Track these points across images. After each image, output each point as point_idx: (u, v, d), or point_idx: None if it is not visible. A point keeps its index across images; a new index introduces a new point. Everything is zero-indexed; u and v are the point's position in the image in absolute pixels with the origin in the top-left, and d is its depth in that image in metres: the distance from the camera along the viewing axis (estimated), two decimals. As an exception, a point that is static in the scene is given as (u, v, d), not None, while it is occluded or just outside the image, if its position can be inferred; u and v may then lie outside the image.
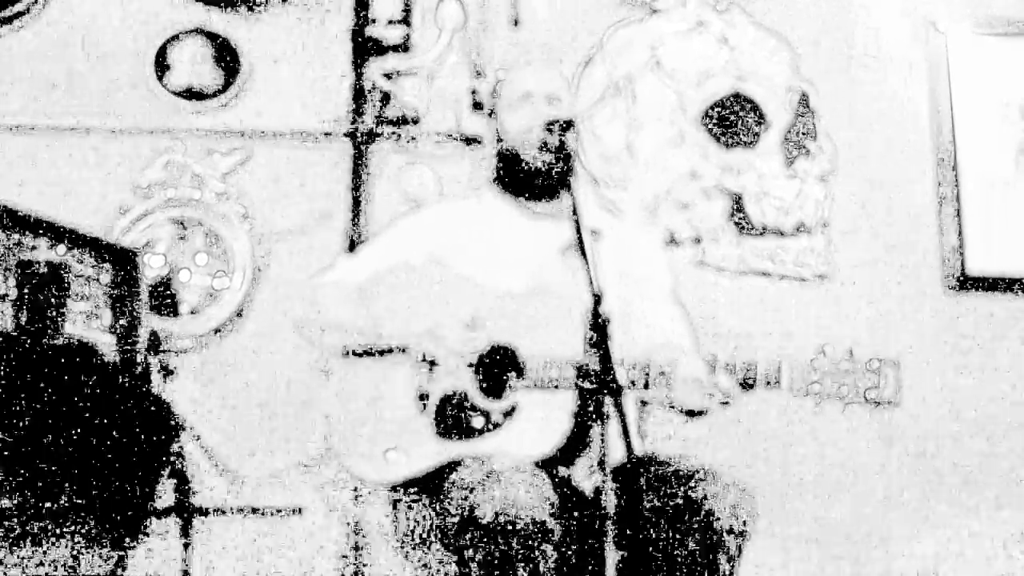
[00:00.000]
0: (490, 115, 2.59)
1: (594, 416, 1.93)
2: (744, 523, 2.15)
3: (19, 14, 3.56)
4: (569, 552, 2.19)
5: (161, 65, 3.57)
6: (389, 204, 3.51)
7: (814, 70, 3.67)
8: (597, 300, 1.97)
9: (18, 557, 2.61)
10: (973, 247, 3.56)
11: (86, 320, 2.87)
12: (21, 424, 2.59)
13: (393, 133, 3.56)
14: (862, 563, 3.44)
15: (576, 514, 2.24)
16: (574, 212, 2.09)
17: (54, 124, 3.52)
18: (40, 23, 3.58)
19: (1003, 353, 3.53)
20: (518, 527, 2.03)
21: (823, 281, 3.56)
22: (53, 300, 2.74)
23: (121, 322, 2.96)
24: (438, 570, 2.37)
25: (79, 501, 2.70)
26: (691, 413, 2.28)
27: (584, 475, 2.31)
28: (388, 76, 3.54)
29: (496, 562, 2.04)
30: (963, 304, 3.56)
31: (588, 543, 2.22)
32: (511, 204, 2.56)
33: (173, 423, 3.22)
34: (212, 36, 3.59)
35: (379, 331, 2.35)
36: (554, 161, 2.43)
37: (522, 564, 2.04)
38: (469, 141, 3.54)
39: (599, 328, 1.95)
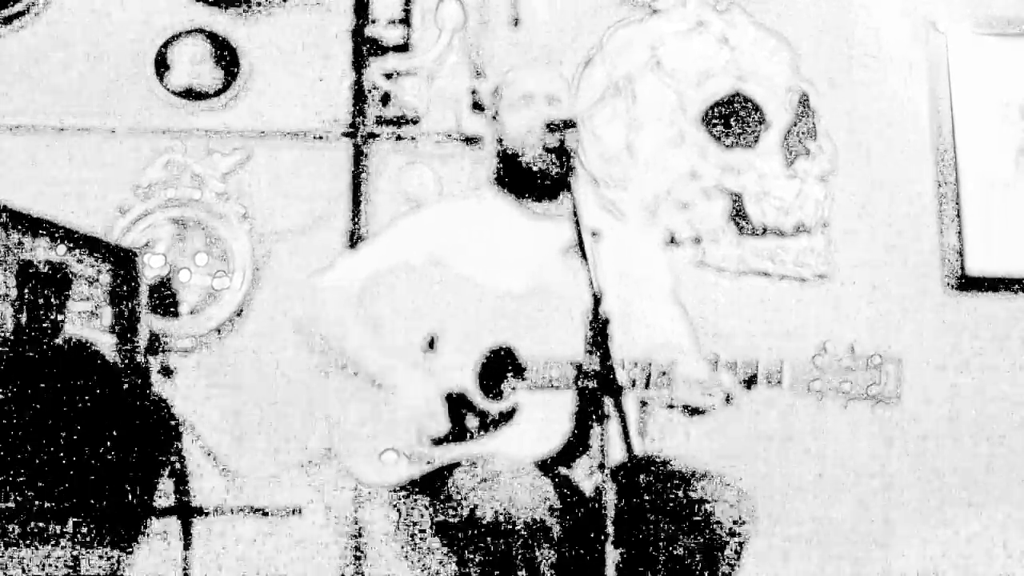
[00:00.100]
0: (494, 117, 2.59)
1: (594, 416, 1.93)
2: (744, 523, 2.15)
3: (19, 14, 3.56)
4: (569, 552, 2.19)
5: (161, 65, 3.57)
6: (389, 204, 3.51)
7: (814, 70, 3.67)
8: (597, 300, 1.97)
9: (18, 557, 2.61)
10: (973, 247, 3.56)
11: (86, 320, 2.86)
12: (21, 424, 2.59)
13: (393, 133, 3.56)
14: (862, 563, 3.44)
15: (576, 514, 2.24)
16: (574, 212, 2.09)
17: (54, 124, 3.52)
18: (40, 23, 3.58)
19: (1003, 353, 3.53)
20: (518, 527, 2.03)
21: (823, 281, 3.56)
22: (53, 300, 2.74)
23: (121, 322, 2.96)
24: (438, 570, 2.37)
25: (79, 501, 2.70)
26: (693, 412, 2.28)
27: (584, 475, 2.31)
28: (388, 76, 3.54)
29: (496, 562, 2.04)
30: (963, 304, 3.56)
31: (588, 543, 2.22)
32: (511, 204, 2.56)
33: (173, 423, 3.22)
34: (212, 36, 3.59)
35: (371, 361, 2.34)
36: (554, 161, 2.43)
37: (522, 564, 2.04)
38: (469, 141, 3.54)
39: (599, 328, 1.95)
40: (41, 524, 2.65)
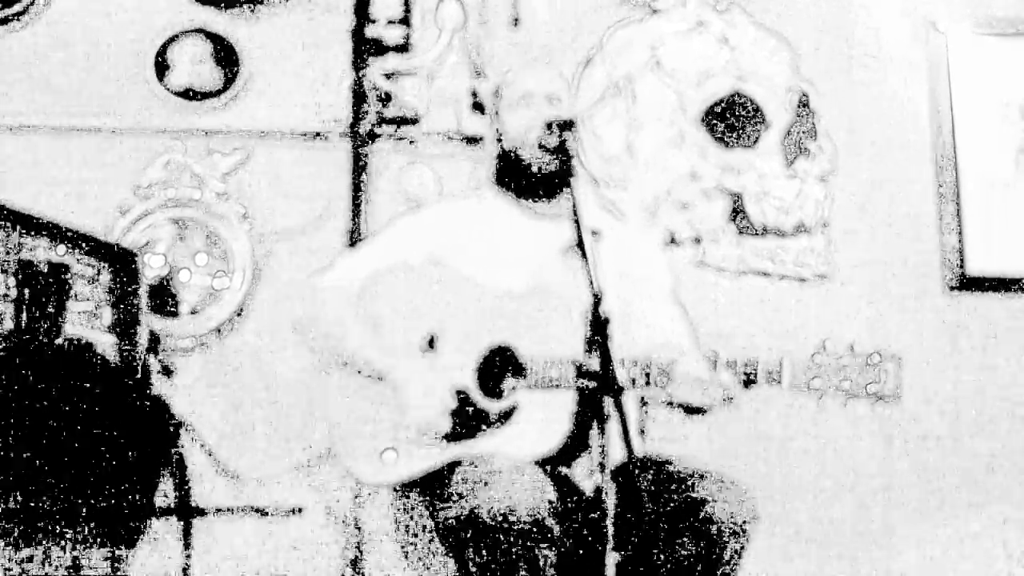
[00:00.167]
0: (494, 117, 2.59)
1: (594, 416, 1.93)
2: (744, 523, 2.15)
3: (19, 14, 3.56)
4: (569, 552, 2.19)
5: (161, 65, 3.57)
6: (389, 204, 3.51)
7: (814, 70, 3.67)
8: (597, 300, 1.97)
9: (19, 557, 2.61)
10: (973, 247, 3.56)
11: (86, 320, 2.87)
12: (21, 424, 2.59)
13: (393, 133, 3.56)
14: (862, 563, 3.44)
15: (576, 514, 2.24)
16: (574, 212, 2.09)
17: (54, 124, 3.52)
18: (40, 23, 3.58)
19: (1003, 353, 3.53)
20: (518, 527, 2.03)
21: (823, 281, 3.56)
22: (53, 300, 2.74)
23: (121, 322, 2.96)
24: (438, 570, 2.37)
25: (79, 501, 2.70)
26: (692, 411, 2.28)
27: (584, 475, 2.31)
28: (388, 76, 3.54)
29: (496, 562, 2.04)
30: (963, 304, 3.56)
31: (588, 543, 2.22)
32: (511, 204, 2.56)
33: (173, 423, 3.22)
34: (212, 36, 3.59)
35: (372, 359, 2.34)
36: (553, 161, 2.43)
37: (522, 564, 2.04)
38: (469, 141, 3.54)
39: (599, 328, 1.95)
40: (41, 524, 2.65)
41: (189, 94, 3.57)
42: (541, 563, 2.05)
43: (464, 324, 2.33)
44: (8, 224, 2.71)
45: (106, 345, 2.92)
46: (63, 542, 2.68)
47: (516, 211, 2.55)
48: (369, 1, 3.57)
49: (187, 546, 3.21)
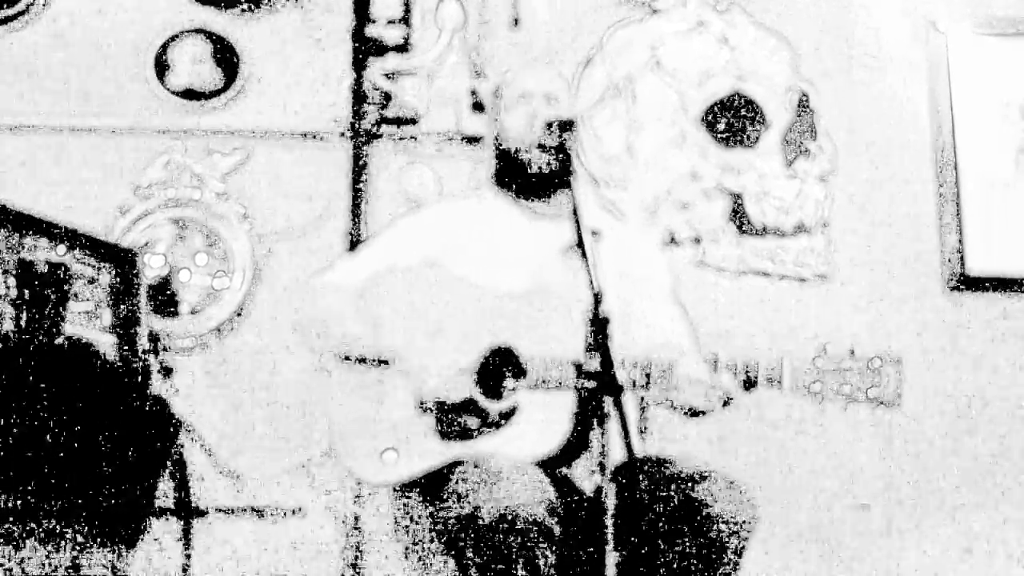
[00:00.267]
0: (494, 115, 2.59)
1: (594, 416, 1.93)
2: (744, 523, 2.15)
3: (19, 14, 3.56)
4: (569, 552, 2.19)
5: (161, 65, 3.57)
6: (389, 204, 3.51)
7: (814, 70, 3.67)
8: (597, 300, 1.97)
9: (19, 558, 2.61)
10: (973, 247, 3.56)
11: (86, 320, 2.86)
12: (21, 424, 2.59)
13: (393, 133, 3.56)
14: (862, 563, 3.44)
15: (576, 514, 2.24)
16: (574, 212, 2.09)
17: (54, 124, 3.52)
18: (40, 23, 3.58)
19: (1003, 353, 3.53)
20: (518, 527, 2.03)
21: (823, 281, 3.56)
22: (53, 300, 2.74)
23: (121, 322, 2.96)
24: (438, 570, 2.37)
25: (79, 501, 2.70)
26: (692, 413, 2.28)
27: (584, 475, 2.31)
28: (388, 76, 3.54)
29: (496, 562, 2.04)
30: (963, 304, 3.56)
31: (588, 543, 2.22)
32: (511, 204, 2.56)
33: (173, 423, 3.22)
34: (212, 36, 3.59)
35: (375, 341, 2.33)
36: (553, 161, 2.43)
37: (522, 564, 2.04)
38: (469, 141, 3.54)
39: (599, 328, 1.95)
40: (41, 524, 2.65)
41: (189, 94, 3.57)
42: (541, 563, 2.05)
43: (464, 324, 2.32)
44: (8, 224, 2.71)
45: (106, 345, 2.92)
46: (63, 542, 2.68)
47: (516, 211, 2.55)
48: (369, 1, 3.57)
49: (187, 546, 3.21)
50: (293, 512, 3.35)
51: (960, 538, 3.44)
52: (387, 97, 3.56)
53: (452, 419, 2.27)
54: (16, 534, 2.61)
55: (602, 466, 1.89)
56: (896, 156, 3.64)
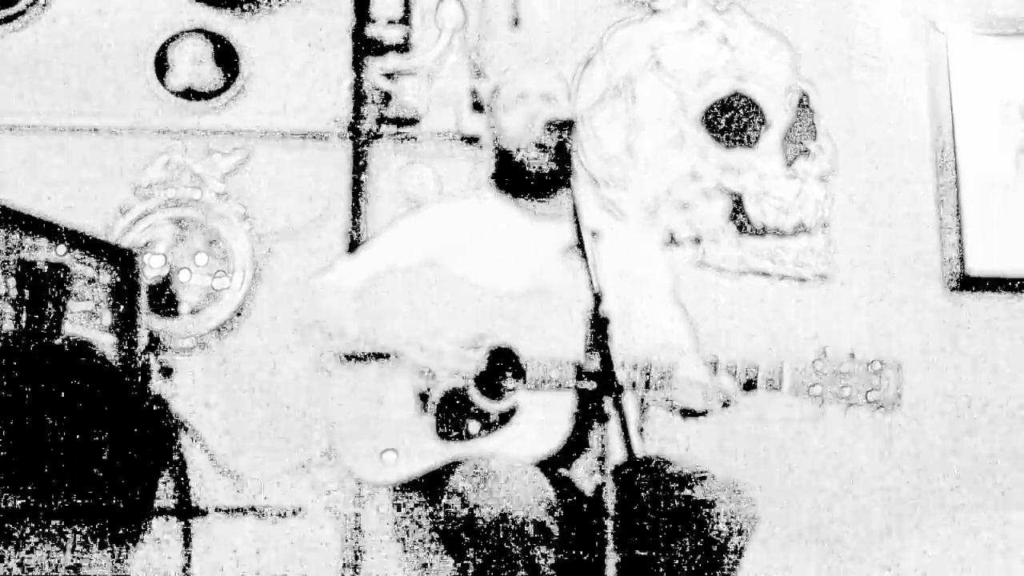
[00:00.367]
0: (493, 115, 2.59)
1: (594, 417, 1.93)
2: (744, 524, 2.15)
3: (19, 14, 3.56)
4: (569, 552, 2.19)
5: (161, 65, 3.57)
6: (389, 204, 3.51)
7: (814, 70, 3.67)
8: (597, 300, 1.97)
9: (19, 557, 2.61)
10: (973, 247, 3.56)
11: (86, 320, 2.86)
12: (21, 425, 2.59)
13: (393, 133, 3.56)
14: (862, 563, 3.44)
15: (576, 515, 2.24)
16: (574, 212, 2.09)
17: (54, 124, 3.52)
18: (40, 23, 3.58)
19: (1003, 353, 3.53)
20: (518, 527, 2.03)
21: (823, 281, 3.56)
22: (53, 300, 2.74)
23: (121, 322, 2.96)
24: (438, 570, 2.37)
25: (79, 501, 2.70)
26: (691, 414, 2.28)
27: (584, 475, 2.31)
28: (388, 76, 3.54)
29: (495, 562, 2.04)
30: (963, 304, 3.56)
31: (588, 543, 2.22)
32: (511, 204, 2.56)
33: (173, 423, 3.22)
34: (212, 36, 3.59)
35: (378, 335, 2.34)
36: (553, 161, 2.43)
37: (521, 564, 2.04)
38: (469, 141, 3.54)
39: (599, 328, 1.95)
40: (41, 524, 2.65)
41: (189, 94, 3.57)
42: (540, 563, 2.05)
43: (464, 324, 2.32)
44: (8, 224, 2.71)
45: (106, 345, 2.92)
46: (63, 542, 2.68)
47: (516, 211, 2.55)
48: (369, 1, 3.57)
49: (187, 546, 3.21)
50: (293, 512, 3.35)
51: (960, 538, 3.44)
52: (387, 97, 3.56)
53: (452, 419, 2.28)
54: (17, 534, 2.61)
55: (602, 466, 1.89)
56: (896, 156, 3.64)
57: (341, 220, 3.50)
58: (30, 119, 3.51)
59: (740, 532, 2.14)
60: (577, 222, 2.07)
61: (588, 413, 2.23)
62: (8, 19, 3.55)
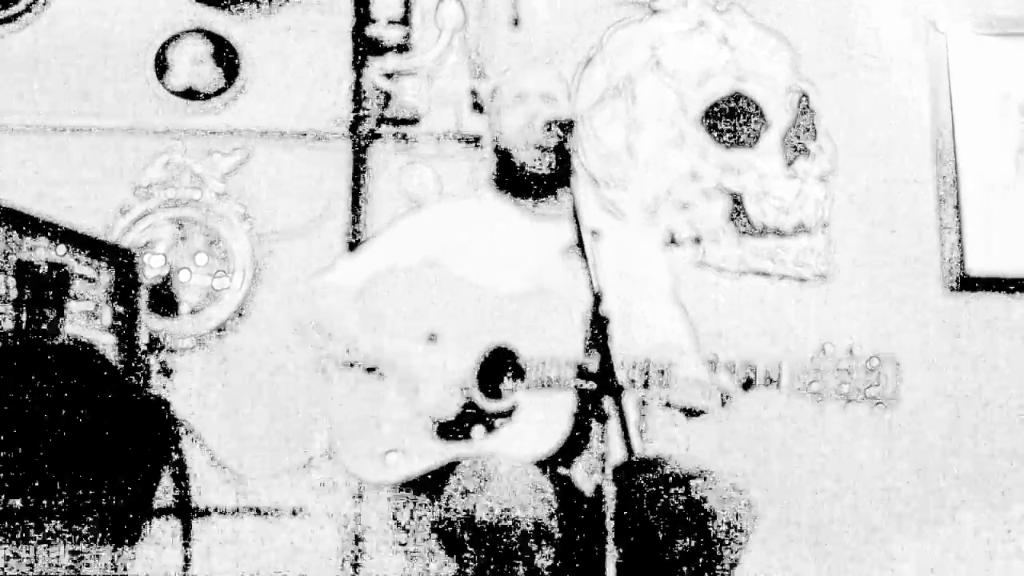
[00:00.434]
0: (493, 115, 2.59)
1: (594, 416, 1.93)
2: (744, 523, 2.15)
3: (19, 14, 3.56)
4: (569, 552, 2.19)
5: (161, 65, 3.57)
6: (389, 204, 3.51)
7: (814, 70, 3.67)
8: (597, 300, 1.97)
9: (19, 557, 2.61)
10: (973, 247, 3.56)
11: (86, 320, 2.86)
12: (21, 424, 2.59)
13: (393, 133, 3.56)
14: (862, 563, 3.44)
15: (576, 514, 2.24)
16: (574, 212, 2.09)
17: (54, 124, 3.52)
18: (40, 23, 3.58)
19: (1003, 353, 3.53)
20: (518, 527, 2.03)
21: (823, 281, 3.56)
22: (53, 300, 2.74)
23: (121, 322, 2.96)
24: (438, 570, 2.37)
25: (79, 501, 2.70)
26: (691, 412, 2.28)
27: (584, 475, 2.31)
28: (388, 76, 3.55)
29: (495, 562, 2.04)
30: (963, 304, 3.56)
31: (588, 543, 2.22)
32: (511, 204, 2.56)
33: (173, 423, 3.22)
34: (212, 36, 3.59)
35: (374, 348, 2.34)
36: (547, 160, 2.44)
37: (521, 564, 2.04)
38: (469, 141, 3.54)
39: (599, 328, 1.95)
40: (42, 524, 2.65)
41: (189, 94, 3.57)
42: (540, 563, 2.05)
43: (464, 324, 2.33)
44: (8, 224, 2.71)
45: (106, 345, 2.92)
46: (63, 542, 2.68)
47: (516, 211, 2.55)
48: (369, 1, 3.58)
49: (187, 546, 3.21)
50: (293, 512, 3.35)
51: (960, 538, 3.44)
52: (387, 97, 3.56)
53: (451, 420, 2.28)
54: (17, 534, 2.61)
55: (602, 466, 1.89)
56: (896, 156, 3.64)
57: (341, 220, 3.50)
58: (30, 119, 3.51)
59: (740, 532, 2.14)
60: (577, 222, 2.07)
61: (588, 413, 2.23)
62: (8, 19, 3.55)
